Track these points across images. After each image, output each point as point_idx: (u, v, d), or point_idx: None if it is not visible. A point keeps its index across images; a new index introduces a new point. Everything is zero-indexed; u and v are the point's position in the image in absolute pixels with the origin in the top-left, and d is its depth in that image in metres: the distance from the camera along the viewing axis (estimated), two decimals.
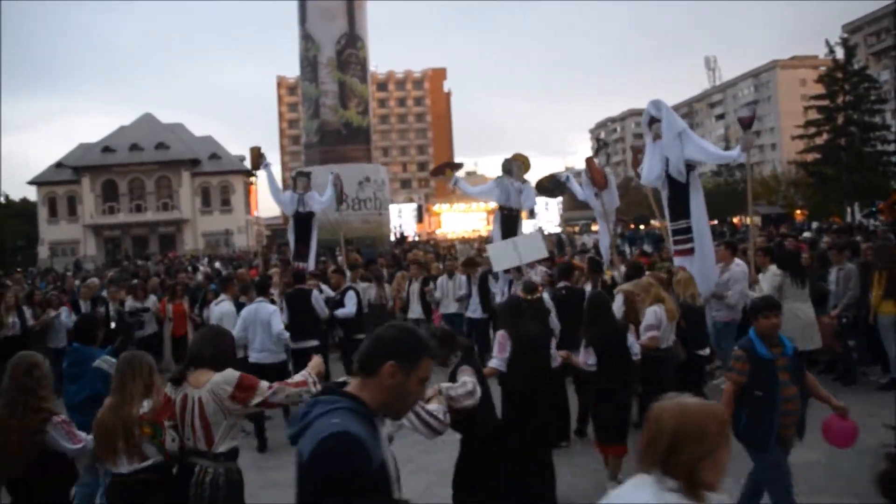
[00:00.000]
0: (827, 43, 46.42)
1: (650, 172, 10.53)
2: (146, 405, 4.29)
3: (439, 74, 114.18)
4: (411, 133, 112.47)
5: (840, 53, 45.92)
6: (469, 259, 13.88)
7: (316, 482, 2.27)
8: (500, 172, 13.97)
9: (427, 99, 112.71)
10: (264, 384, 4.07)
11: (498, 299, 12.38)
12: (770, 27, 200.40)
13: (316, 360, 4.53)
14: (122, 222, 66.88)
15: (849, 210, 43.73)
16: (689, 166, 10.10)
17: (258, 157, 15.84)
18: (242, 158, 66.57)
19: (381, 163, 56.32)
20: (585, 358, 6.53)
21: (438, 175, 16.28)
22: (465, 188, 15.80)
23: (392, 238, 38.65)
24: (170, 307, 13.30)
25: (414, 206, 57.06)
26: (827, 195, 44.70)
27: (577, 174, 14.73)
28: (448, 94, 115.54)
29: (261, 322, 8.73)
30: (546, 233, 14.86)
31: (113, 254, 59.66)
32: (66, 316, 12.38)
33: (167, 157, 67.33)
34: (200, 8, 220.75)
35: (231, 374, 4.04)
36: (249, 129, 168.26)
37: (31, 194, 69.49)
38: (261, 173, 16.57)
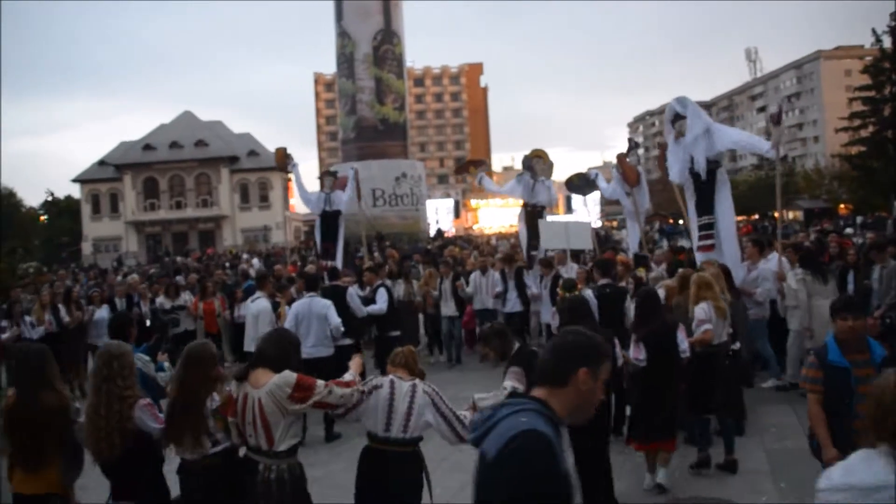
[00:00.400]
0: (874, 32, 45.14)
1: (672, 169, 10.68)
2: (216, 398, 4.48)
3: (476, 69, 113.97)
4: (448, 128, 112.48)
5: (887, 42, 44.57)
6: (506, 255, 13.87)
7: (504, 481, 2.16)
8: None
9: (464, 94, 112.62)
10: (321, 383, 4.27)
11: (534, 290, 12.42)
12: (813, 17, 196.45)
13: (357, 361, 4.86)
14: (163, 219, 67.95)
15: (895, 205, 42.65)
16: (715, 163, 10.12)
17: (284, 159, 15.83)
18: None
19: (418, 158, 56.34)
20: (636, 353, 6.46)
21: (462, 173, 16.27)
22: (489, 186, 15.79)
23: (431, 234, 38.67)
24: (201, 305, 13.26)
25: (451, 201, 56.83)
26: (872, 189, 43.65)
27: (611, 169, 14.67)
28: (485, 89, 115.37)
29: (316, 316, 8.78)
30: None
31: (154, 250, 60.79)
32: (107, 313, 12.45)
33: (206, 155, 68.16)
34: (238, 7, 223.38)
35: (289, 375, 4.20)
36: (287, 126, 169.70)
37: (76, 192, 70.98)
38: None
